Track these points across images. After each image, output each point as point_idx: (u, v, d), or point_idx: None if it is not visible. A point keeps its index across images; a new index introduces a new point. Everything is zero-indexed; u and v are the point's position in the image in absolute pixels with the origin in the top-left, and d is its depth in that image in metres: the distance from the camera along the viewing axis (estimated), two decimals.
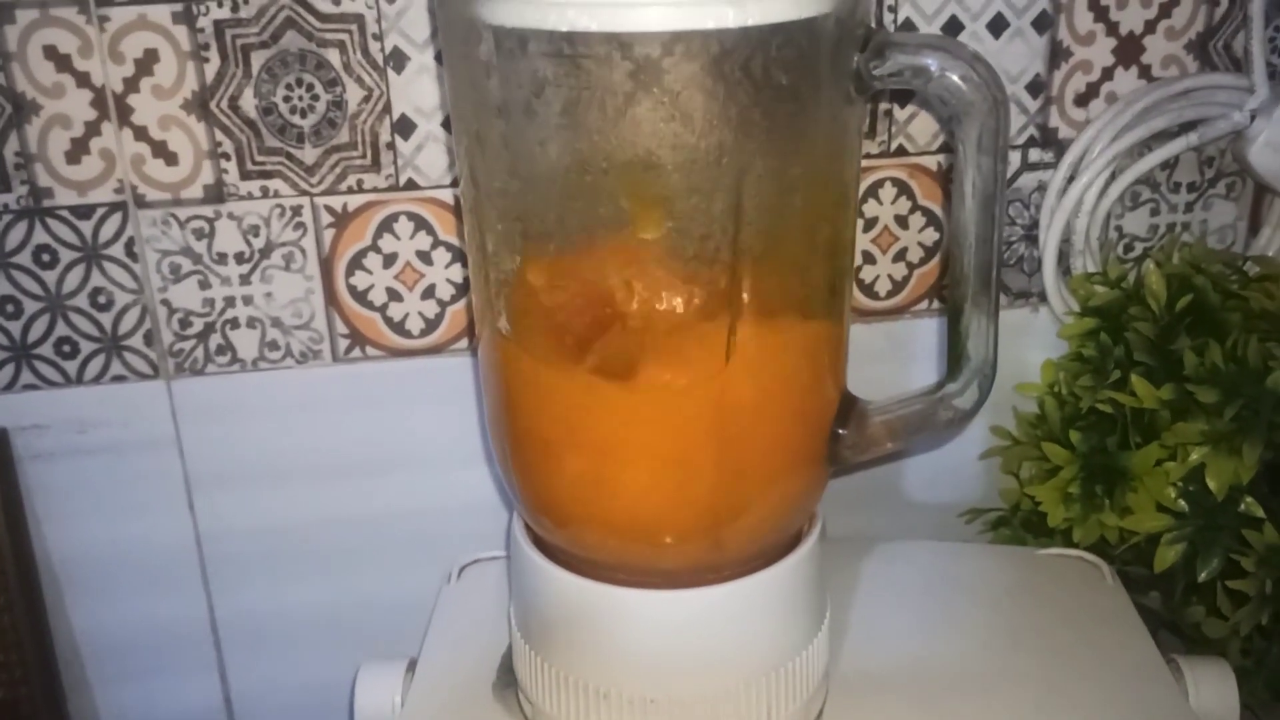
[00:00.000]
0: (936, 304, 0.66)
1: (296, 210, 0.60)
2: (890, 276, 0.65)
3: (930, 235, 0.64)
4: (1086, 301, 0.61)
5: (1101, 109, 0.62)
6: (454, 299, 0.62)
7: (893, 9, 0.59)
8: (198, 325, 0.61)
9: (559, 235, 0.41)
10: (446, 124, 0.59)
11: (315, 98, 0.58)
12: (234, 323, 0.61)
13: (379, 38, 0.57)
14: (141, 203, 0.59)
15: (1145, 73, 0.62)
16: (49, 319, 0.60)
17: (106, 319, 0.60)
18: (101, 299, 0.60)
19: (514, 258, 0.42)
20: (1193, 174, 0.65)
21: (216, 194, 0.59)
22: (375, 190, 0.60)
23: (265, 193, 0.59)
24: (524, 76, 0.39)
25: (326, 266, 0.61)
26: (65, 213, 0.58)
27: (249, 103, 0.57)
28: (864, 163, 0.62)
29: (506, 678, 0.51)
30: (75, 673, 0.67)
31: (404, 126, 0.59)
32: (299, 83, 0.57)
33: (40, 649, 0.64)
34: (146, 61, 0.56)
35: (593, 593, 0.45)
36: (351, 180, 0.59)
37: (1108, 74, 0.62)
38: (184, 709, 0.68)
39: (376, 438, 0.64)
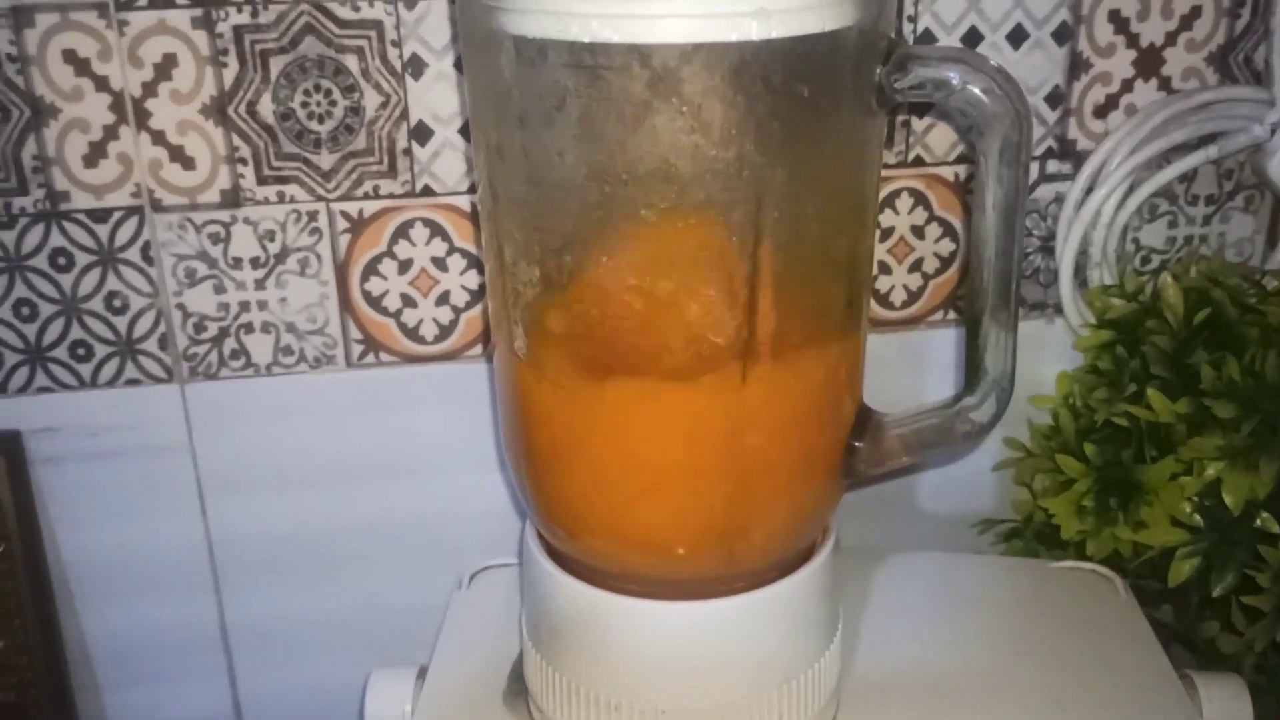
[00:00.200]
0: (952, 315, 0.66)
1: (312, 215, 0.60)
2: (906, 287, 0.65)
3: (946, 246, 0.64)
4: (1103, 314, 0.61)
5: (1121, 121, 0.62)
6: (468, 305, 0.62)
7: (912, 19, 0.59)
8: (212, 330, 0.61)
9: (577, 245, 0.41)
10: (463, 131, 0.59)
11: (333, 103, 0.58)
12: (248, 327, 0.61)
13: (398, 44, 0.57)
14: (158, 207, 0.59)
15: (1165, 85, 0.62)
16: (64, 322, 0.60)
17: (121, 323, 0.60)
18: (117, 302, 0.60)
19: (532, 267, 0.42)
20: (1211, 187, 0.65)
21: (233, 199, 0.59)
22: (391, 196, 0.60)
23: (281, 198, 0.59)
24: (545, 87, 0.39)
25: (341, 272, 0.61)
26: (82, 216, 0.58)
27: (267, 108, 0.57)
28: (881, 173, 0.62)
29: (517, 686, 0.51)
30: (85, 676, 0.67)
31: (421, 133, 0.59)
32: (317, 88, 0.57)
33: (50, 652, 0.64)
34: (165, 66, 0.56)
35: (605, 603, 0.45)
36: (368, 186, 0.59)
37: (1127, 86, 0.62)
38: (193, 713, 0.68)
39: (389, 443, 0.64)
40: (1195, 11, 0.61)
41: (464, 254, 0.61)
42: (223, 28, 0.56)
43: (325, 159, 0.59)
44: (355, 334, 0.62)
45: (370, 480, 0.65)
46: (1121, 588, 0.57)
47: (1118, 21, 0.61)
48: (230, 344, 0.61)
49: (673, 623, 0.44)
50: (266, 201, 0.59)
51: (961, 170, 0.63)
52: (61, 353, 0.61)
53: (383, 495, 0.65)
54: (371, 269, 0.61)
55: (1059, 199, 0.63)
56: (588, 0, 0.36)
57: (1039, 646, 0.54)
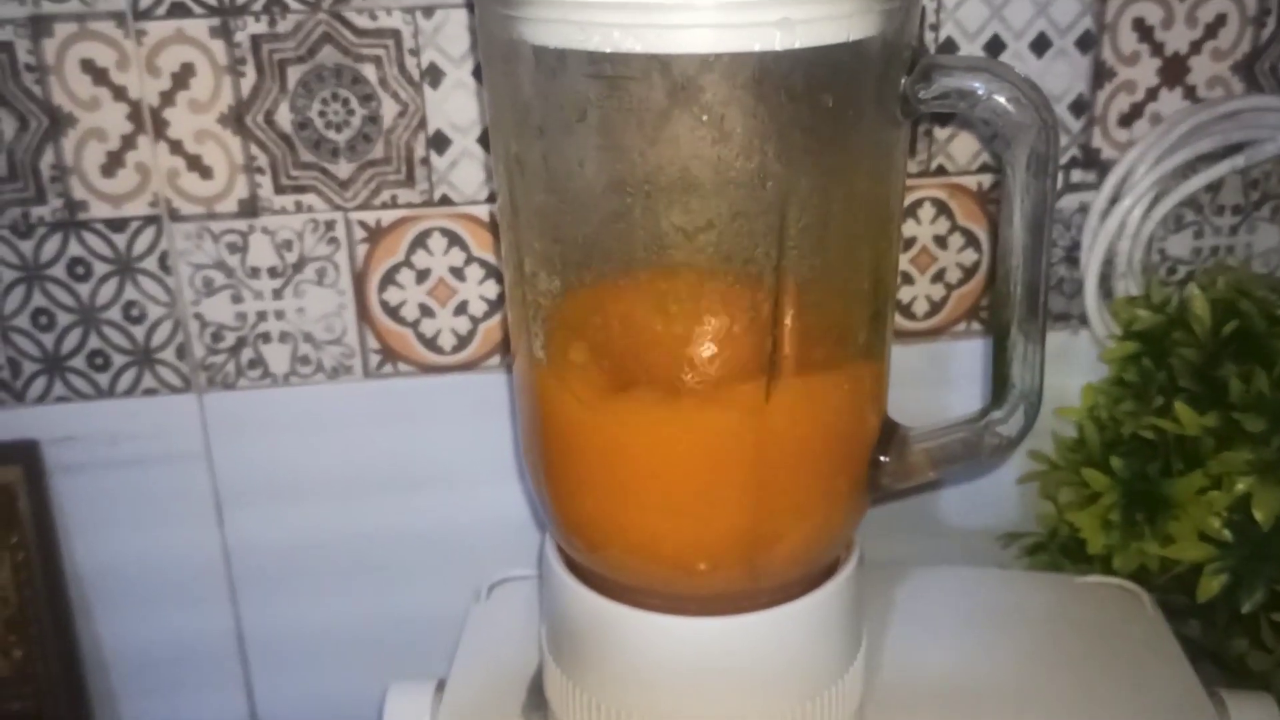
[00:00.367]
0: (975, 325, 0.65)
1: (330, 225, 0.59)
2: (929, 297, 0.64)
3: (969, 256, 0.64)
4: (1129, 325, 0.60)
5: (1146, 130, 0.61)
6: (487, 315, 0.62)
7: (934, 28, 0.59)
8: (230, 339, 0.61)
9: (598, 256, 0.41)
10: (482, 140, 0.59)
11: (351, 113, 0.58)
12: (266, 337, 0.61)
13: (415, 53, 0.57)
14: (176, 216, 0.59)
15: (1190, 94, 0.61)
16: (82, 331, 0.60)
17: (139, 332, 0.60)
18: (134, 312, 0.60)
19: (552, 279, 0.41)
20: (1237, 196, 0.64)
21: (250, 208, 0.59)
22: (409, 206, 0.60)
23: (299, 207, 0.59)
24: (565, 97, 0.38)
25: (359, 282, 0.61)
26: (100, 225, 0.58)
27: (284, 117, 0.57)
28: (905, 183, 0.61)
29: (536, 699, 0.51)
30: (101, 685, 0.66)
31: (439, 142, 0.59)
32: (334, 97, 0.57)
33: (67, 661, 0.63)
34: (183, 75, 0.56)
35: (626, 617, 0.44)
36: (386, 195, 0.59)
37: (1152, 95, 0.61)
38: None
39: (407, 454, 0.64)
40: (1220, 20, 0.60)
41: (482, 264, 0.61)
42: (240, 37, 0.56)
43: (343, 168, 0.58)
44: (373, 344, 0.62)
45: (388, 490, 0.65)
46: (1148, 603, 0.56)
47: (1142, 30, 0.60)
48: (248, 353, 0.61)
49: (694, 638, 0.44)
50: (284, 211, 0.59)
51: (984, 180, 0.62)
52: (79, 362, 0.60)
53: (400, 505, 0.65)
54: (389, 279, 0.61)
55: (1083, 209, 0.63)
56: (609, 10, 0.36)
57: (1065, 662, 0.53)
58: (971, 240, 0.63)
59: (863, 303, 0.42)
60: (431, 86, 0.58)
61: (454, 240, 0.61)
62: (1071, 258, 0.64)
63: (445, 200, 0.60)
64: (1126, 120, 0.62)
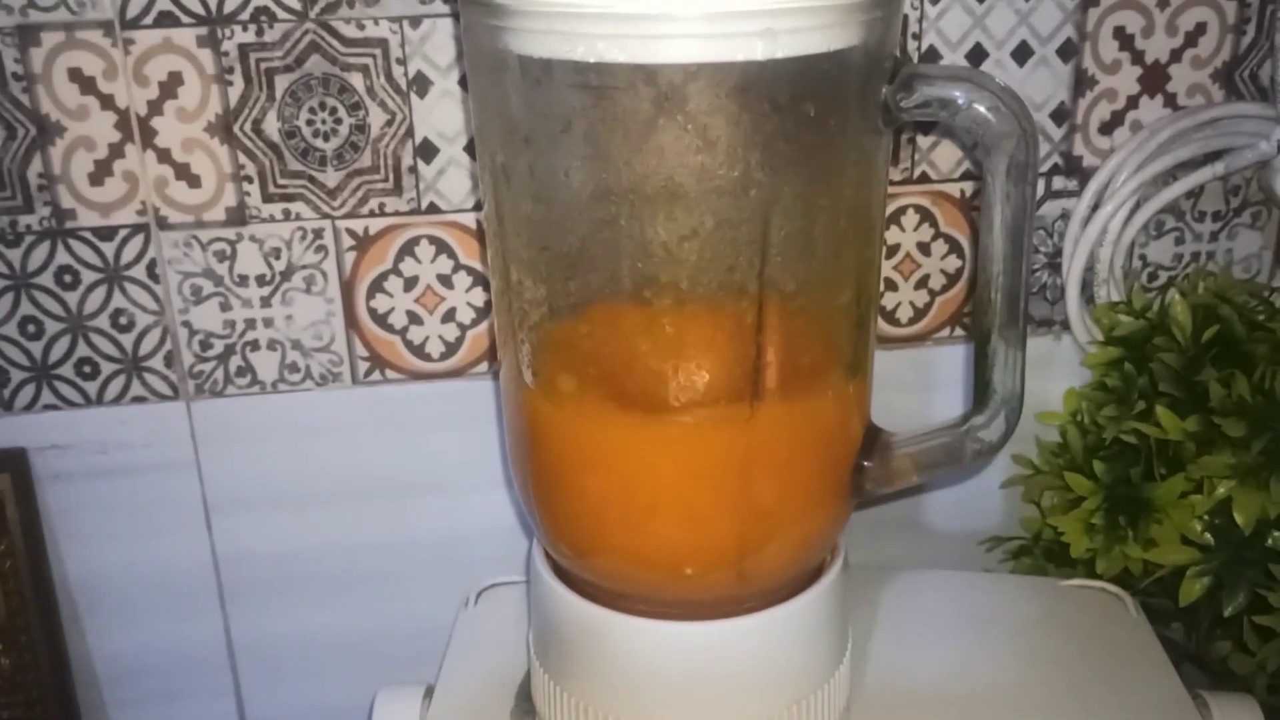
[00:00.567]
0: (959, 331, 0.65)
1: (318, 233, 0.60)
2: (912, 304, 0.65)
3: (953, 262, 0.64)
4: (1111, 331, 0.61)
5: (1126, 138, 0.62)
6: (474, 323, 0.62)
7: (916, 36, 0.59)
8: (218, 347, 0.61)
9: (583, 265, 0.41)
10: (469, 148, 0.59)
11: (338, 121, 0.58)
12: (254, 345, 0.61)
13: (402, 62, 0.57)
14: (164, 225, 0.59)
15: (1171, 101, 0.62)
16: (70, 339, 0.60)
17: (127, 340, 0.60)
18: (123, 320, 0.60)
19: (538, 287, 0.42)
20: (1218, 203, 0.64)
21: (238, 216, 0.59)
22: (397, 214, 0.60)
23: (287, 215, 0.59)
24: (551, 106, 0.38)
25: (347, 289, 0.61)
26: (88, 234, 0.58)
27: (272, 126, 0.57)
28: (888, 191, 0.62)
29: (525, 705, 0.51)
30: (91, 695, 0.66)
31: (426, 150, 0.59)
32: (322, 106, 0.57)
33: (57, 671, 0.63)
34: (171, 84, 0.56)
35: (613, 623, 0.44)
36: (373, 204, 0.59)
37: (1133, 102, 0.62)
38: None
39: (395, 461, 0.64)
40: (1200, 28, 0.61)
41: (469, 271, 0.61)
42: (228, 46, 0.56)
43: (331, 176, 0.59)
44: (361, 351, 0.62)
45: (376, 497, 0.65)
46: (1131, 606, 0.57)
47: (1123, 38, 0.60)
48: (236, 361, 0.61)
49: (681, 643, 0.44)
50: (272, 219, 0.59)
51: (967, 187, 0.63)
52: (67, 370, 0.61)
53: (389, 512, 0.65)
54: (377, 286, 0.61)
55: (1065, 216, 0.63)
56: (594, 20, 0.36)
57: (1048, 665, 0.53)
58: (954, 247, 0.64)
59: (846, 310, 0.43)
60: (419, 95, 0.58)
61: (441, 248, 0.61)
62: (1053, 264, 0.64)
63: (433, 208, 0.60)
64: (1107, 128, 0.62)
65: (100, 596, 0.65)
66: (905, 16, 0.58)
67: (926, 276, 0.64)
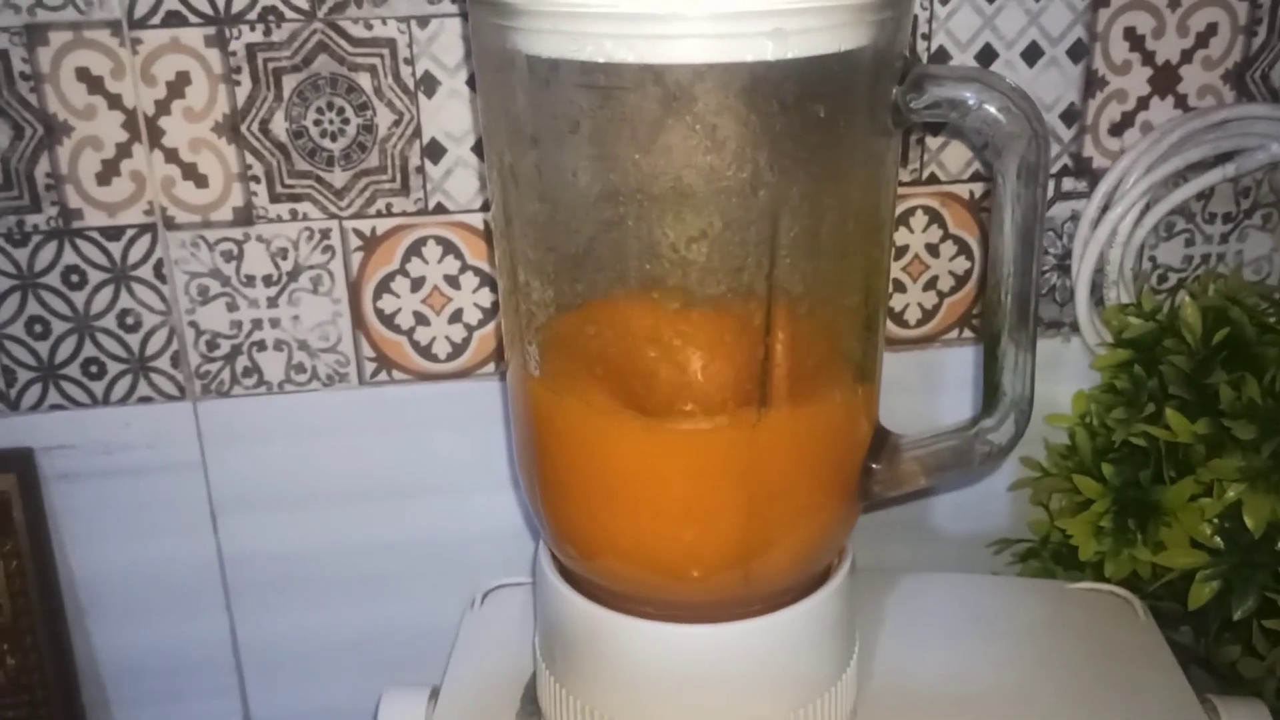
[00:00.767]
0: (967, 333, 0.65)
1: (325, 233, 0.60)
2: (921, 305, 0.64)
3: (961, 264, 0.64)
4: (1120, 333, 0.61)
5: (1137, 139, 0.62)
6: (481, 323, 0.62)
7: (926, 37, 0.59)
8: (225, 347, 0.61)
9: (591, 266, 0.41)
10: (476, 148, 0.59)
11: (346, 121, 0.58)
12: (261, 345, 0.61)
13: (410, 62, 0.57)
14: (171, 225, 0.59)
15: (1181, 103, 0.62)
16: (76, 339, 0.60)
17: (134, 340, 0.60)
18: (129, 320, 0.60)
19: (545, 288, 0.42)
20: (1228, 204, 0.64)
21: (246, 216, 0.59)
22: (404, 214, 0.60)
23: (294, 216, 0.59)
24: (558, 106, 0.38)
25: (354, 290, 0.61)
26: (95, 234, 0.58)
27: (280, 126, 0.57)
28: (897, 192, 0.61)
29: (530, 707, 0.51)
30: (95, 694, 0.66)
31: (433, 151, 0.59)
32: (330, 106, 0.57)
33: (61, 670, 0.63)
34: (178, 84, 0.56)
35: (619, 625, 0.44)
36: (380, 204, 0.59)
37: (1143, 104, 0.61)
38: None
39: (401, 461, 0.64)
40: (1211, 29, 0.60)
41: (477, 272, 0.61)
42: (236, 46, 0.56)
43: (338, 177, 0.59)
44: (368, 352, 0.62)
45: (383, 498, 0.65)
46: (1140, 610, 0.56)
47: (1133, 39, 0.60)
48: (243, 361, 0.61)
49: (687, 646, 0.44)
50: (279, 219, 0.59)
51: (976, 188, 0.62)
52: (74, 370, 0.61)
53: (395, 513, 0.65)
54: (384, 287, 0.61)
55: (1075, 217, 0.63)
56: (602, 20, 0.36)
57: (1056, 668, 0.53)
58: (963, 248, 0.63)
59: (854, 311, 0.43)
60: (426, 95, 0.58)
61: (448, 248, 0.61)
62: (1063, 265, 0.64)
63: (440, 209, 0.60)
64: (1118, 129, 0.62)
65: (105, 596, 0.65)
66: (915, 17, 0.58)
67: (935, 278, 0.64)
